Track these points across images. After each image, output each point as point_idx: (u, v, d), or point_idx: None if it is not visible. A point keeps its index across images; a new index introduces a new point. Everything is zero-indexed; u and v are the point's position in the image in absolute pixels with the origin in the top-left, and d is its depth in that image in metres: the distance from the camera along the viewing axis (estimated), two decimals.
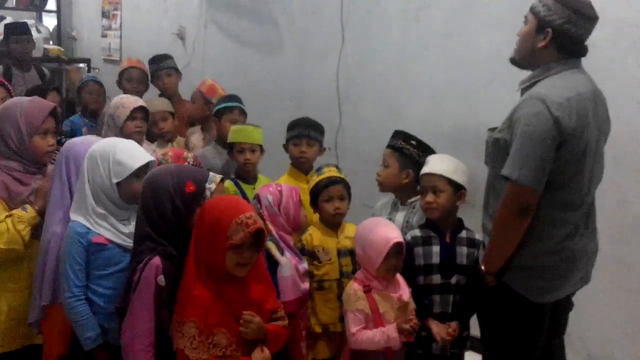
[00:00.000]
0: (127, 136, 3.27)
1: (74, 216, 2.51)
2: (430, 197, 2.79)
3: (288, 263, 2.72)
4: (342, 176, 3.01)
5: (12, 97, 3.58)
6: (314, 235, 2.93)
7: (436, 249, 2.78)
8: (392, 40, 4.27)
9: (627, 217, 3.23)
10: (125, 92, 4.47)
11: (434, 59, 4.07)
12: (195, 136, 4.11)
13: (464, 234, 2.83)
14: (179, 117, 4.23)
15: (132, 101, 3.54)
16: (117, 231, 2.51)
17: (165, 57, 4.67)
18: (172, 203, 2.28)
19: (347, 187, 3.00)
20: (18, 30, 5.23)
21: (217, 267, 2.18)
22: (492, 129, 2.64)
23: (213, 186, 2.37)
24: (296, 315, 2.73)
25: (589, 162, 2.50)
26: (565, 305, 2.76)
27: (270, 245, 2.70)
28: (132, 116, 3.47)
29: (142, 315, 2.24)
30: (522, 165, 2.37)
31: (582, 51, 2.54)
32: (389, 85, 4.32)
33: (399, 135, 3.11)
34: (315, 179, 3.01)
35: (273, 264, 2.69)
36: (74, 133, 4.12)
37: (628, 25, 3.20)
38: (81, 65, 6.75)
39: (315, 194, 2.97)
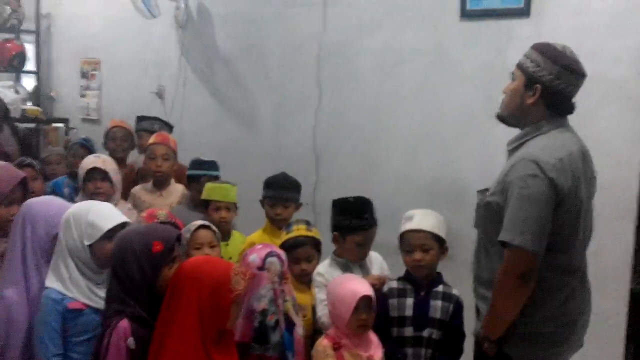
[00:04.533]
0: (90, 198, 3.24)
1: (49, 282, 2.46)
2: (418, 255, 2.71)
3: (301, 323, 2.65)
4: (311, 234, 2.96)
5: None
6: None
7: (410, 301, 2.73)
8: (368, 96, 4.33)
9: (603, 267, 3.23)
10: (110, 151, 4.55)
11: (409, 113, 4.13)
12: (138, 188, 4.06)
13: (440, 288, 2.76)
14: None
15: (88, 162, 3.51)
16: (93, 295, 2.45)
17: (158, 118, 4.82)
18: (138, 264, 2.24)
19: (316, 245, 2.95)
20: None
21: (223, 325, 2.16)
22: (482, 191, 2.56)
23: (188, 235, 2.33)
24: None
25: (582, 222, 2.45)
26: None
27: (289, 306, 2.58)
28: (88, 177, 3.45)
29: None
30: (523, 229, 2.27)
31: (570, 109, 2.50)
32: (365, 140, 4.36)
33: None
34: (284, 236, 2.98)
35: (289, 325, 2.58)
36: (54, 193, 4.07)
37: (598, 79, 3.27)
38: (59, 125, 6.73)
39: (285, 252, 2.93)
